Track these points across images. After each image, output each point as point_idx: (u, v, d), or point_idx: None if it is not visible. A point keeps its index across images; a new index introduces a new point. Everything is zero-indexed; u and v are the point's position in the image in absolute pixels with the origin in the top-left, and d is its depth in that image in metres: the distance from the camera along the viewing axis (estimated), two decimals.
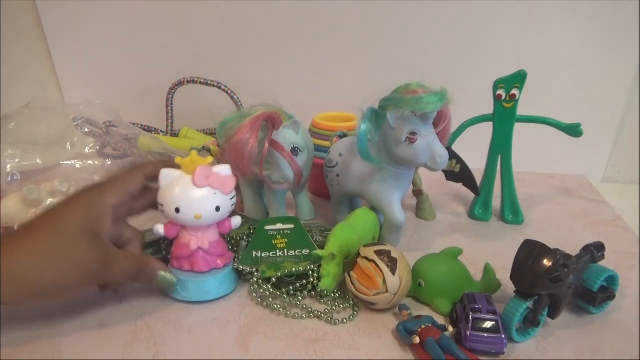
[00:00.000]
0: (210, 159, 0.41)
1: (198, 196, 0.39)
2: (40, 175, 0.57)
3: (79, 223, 0.35)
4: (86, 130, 0.62)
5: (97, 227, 0.36)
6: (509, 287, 0.38)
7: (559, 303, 0.37)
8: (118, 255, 0.37)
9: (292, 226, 0.47)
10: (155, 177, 0.39)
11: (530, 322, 0.37)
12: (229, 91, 0.66)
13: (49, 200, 0.51)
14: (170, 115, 0.69)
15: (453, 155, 0.54)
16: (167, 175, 0.40)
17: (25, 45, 0.78)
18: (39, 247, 0.33)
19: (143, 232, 0.43)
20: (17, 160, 0.57)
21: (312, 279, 0.42)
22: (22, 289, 0.33)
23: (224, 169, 0.41)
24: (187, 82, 0.66)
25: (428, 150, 0.42)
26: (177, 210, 0.39)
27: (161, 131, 0.71)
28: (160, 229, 0.41)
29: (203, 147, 0.59)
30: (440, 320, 0.38)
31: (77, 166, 0.60)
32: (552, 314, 0.38)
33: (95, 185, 0.38)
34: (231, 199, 0.41)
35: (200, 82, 0.65)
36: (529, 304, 0.36)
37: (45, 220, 0.35)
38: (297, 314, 0.40)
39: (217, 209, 0.39)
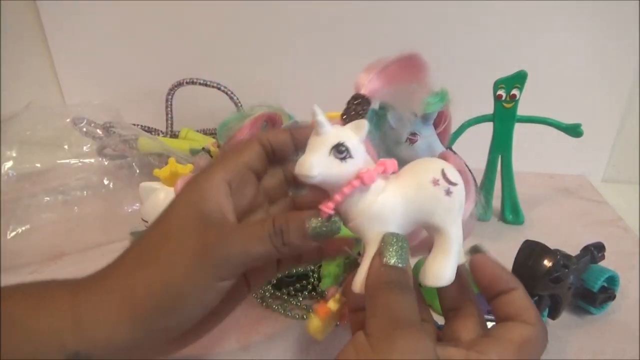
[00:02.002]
0: (190, 166, 0.40)
1: None
2: (38, 176, 0.57)
3: (184, 212, 0.27)
4: (85, 130, 0.62)
5: (205, 207, 0.26)
6: None
7: (559, 303, 0.37)
8: (236, 230, 0.26)
9: None
10: (282, 146, 0.30)
11: None
12: (229, 92, 0.66)
13: None
14: (169, 116, 0.69)
15: None
16: (147, 189, 0.39)
17: (25, 46, 0.77)
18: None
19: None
20: (12, 161, 0.57)
21: (312, 280, 0.41)
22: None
23: None
24: (187, 83, 0.66)
25: (428, 150, 0.42)
26: None
27: (161, 132, 0.71)
28: None
29: (203, 149, 0.59)
30: (440, 320, 0.38)
31: (75, 166, 0.60)
32: (553, 315, 0.38)
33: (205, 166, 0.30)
34: None
35: (200, 83, 0.65)
36: None
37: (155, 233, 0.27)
38: (298, 315, 0.40)
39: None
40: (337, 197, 0.25)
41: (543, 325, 0.26)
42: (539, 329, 0.25)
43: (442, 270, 0.26)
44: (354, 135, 0.26)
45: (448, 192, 0.26)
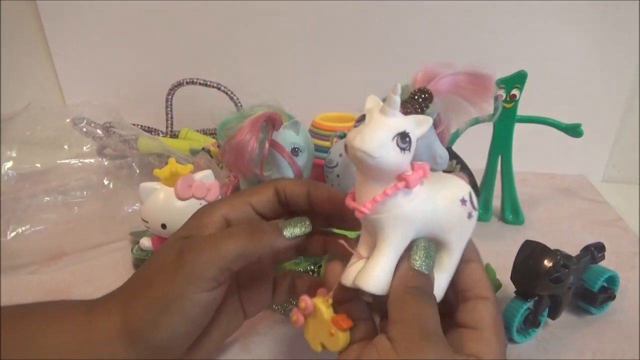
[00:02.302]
0: (190, 167, 0.40)
1: (183, 209, 0.38)
2: (38, 176, 0.57)
3: (175, 238, 0.29)
4: (85, 130, 0.62)
5: (196, 233, 0.28)
6: (509, 287, 0.38)
7: (560, 303, 0.37)
8: (209, 235, 0.28)
9: None
10: (296, 198, 0.30)
11: (531, 322, 0.37)
12: (229, 92, 0.66)
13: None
14: (169, 116, 0.69)
15: (453, 156, 0.54)
16: (147, 189, 0.39)
17: (25, 46, 0.77)
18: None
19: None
20: (12, 161, 0.57)
21: (317, 270, 0.41)
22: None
23: (207, 175, 0.40)
24: (187, 83, 0.66)
25: (428, 150, 0.42)
26: (164, 226, 0.38)
27: (161, 132, 0.71)
28: (147, 242, 0.40)
29: (203, 149, 0.59)
30: None
31: (75, 166, 0.60)
32: (553, 315, 0.38)
33: None
34: None
35: (200, 83, 0.65)
36: (530, 304, 0.36)
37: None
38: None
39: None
40: (378, 198, 0.24)
41: (493, 289, 0.28)
42: (495, 297, 0.27)
43: (440, 288, 0.27)
44: (417, 129, 0.24)
45: (470, 216, 0.27)
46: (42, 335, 0.26)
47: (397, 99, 0.23)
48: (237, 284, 0.32)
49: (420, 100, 0.31)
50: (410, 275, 0.25)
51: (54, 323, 0.27)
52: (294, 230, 0.28)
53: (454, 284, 0.28)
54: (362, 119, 0.23)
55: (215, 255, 0.26)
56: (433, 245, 0.26)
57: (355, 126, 0.23)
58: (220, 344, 0.32)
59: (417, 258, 0.25)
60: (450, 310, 0.28)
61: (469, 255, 0.28)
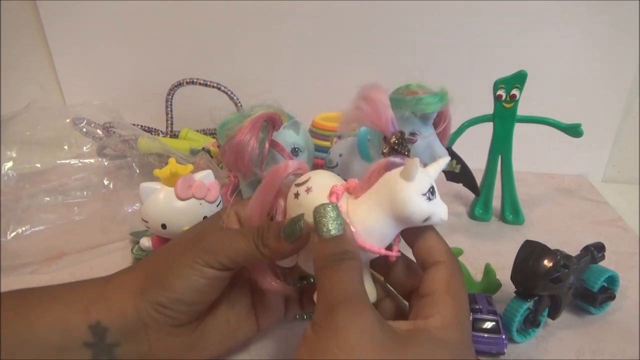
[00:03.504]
0: (190, 167, 0.40)
1: (183, 209, 0.38)
2: (38, 176, 0.57)
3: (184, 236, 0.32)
4: (85, 131, 0.62)
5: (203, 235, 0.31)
6: (509, 287, 0.38)
7: (560, 303, 0.37)
8: (228, 229, 0.31)
9: None
10: None
11: (531, 322, 0.37)
12: (229, 92, 0.66)
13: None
14: (169, 116, 0.69)
15: (453, 156, 0.54)
16: (147, 189, 0.39)
17: (25, 46, 0.77)
18: None
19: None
20: (12, 161, 0.57)
21: (312, 279, 0.41)
22: None
23: (207, 175, 0.40)
24: (187, 83, 0.66)
25: (428, 150, 0.42)
26: (164, 226, 0.38)
27: (161, 132, 0.71)
28: (147, 242, 0.40)
29: (203, 149, 0.59)
30: None
31: (75, 166, 0.60)
32: (553, 315, 0.38)
33: None
34: (217, 205, 0.40)
35: (200, 83, 0.65)
36: (530, 304, 0.36)
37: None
38: (298, 315, 0.39)
39: (205, 219, 0.39)
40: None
41: (451, 253, 0.28)
42: (452, 259, 0.27)
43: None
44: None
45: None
46: (65, 292, 0.29)
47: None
48: (252, 298, 0.34)
49: (406, 143, 0.34)
50: (321, 247, 0.26)
51: (79, 284, 0.30)
52: (289, 234, 0.28)
53: (416, 259, 0.29)
54: (433, 192, 0.27)
55: (228, 247, 0.29)
56: (331, 204, 0.27)
57: (431, 199, 0.27)
58: (228, 344, 0.33)
59: (320, 227, 0.26)
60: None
61: (423, 227, 0.28)
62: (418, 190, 0.26)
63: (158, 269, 0.30)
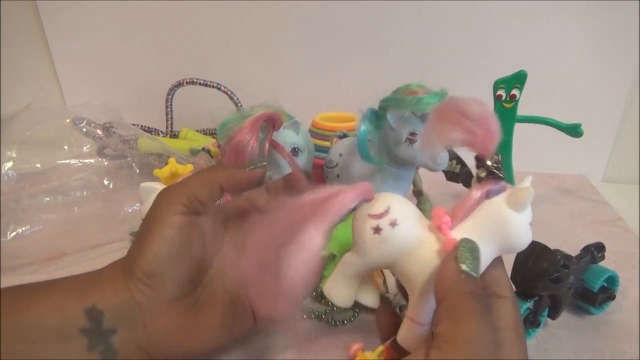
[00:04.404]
0: (190, 167, 0.40)
1: None
2: (38, 176, 0.57)
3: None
4: (85, 131, 0.62)
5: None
6: None
7: (559, 303, 0.37)
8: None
9: None
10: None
11: (531, 322, 0.37)
12: (229, 92, 0.66)
13: None
14: (169, 116, 0.69)
15: (453, 156, 0.54)
16: (147, 189, 0.39)
17: (25, 46, 0.78)
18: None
19: None
20: (12, 161, 0.57)
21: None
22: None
23: None
24: (187, 83, 0.66)
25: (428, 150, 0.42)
26: None
27: (161, 132, 0.71)
28: None
29: (203, 149, 0.59)
30: None
31: (75, 166, 0.60)
32: (553, 315, 0.38)
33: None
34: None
35: (200, 83, 0.65)
36: (529, 304, 0.36)
37: None
38: (297, 315, 0.40)
39: None
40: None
41: (512, 289, 0.27)
42: (514, 297, 0.26)
43: None
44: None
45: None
46: (63, 280, 0.30)
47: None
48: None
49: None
50: (462, 279, 0.23)
51: (78, 275, 0.31)
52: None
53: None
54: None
55: (183, 187, 0.31)
56: (477, 244, 0.24)
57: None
58: (225, 331, 0.32)
59: (465, 260, 0.24)
60: None
61: None
62: (528, 220, 0.25)
63: (137, 241, 0.31)
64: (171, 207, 0.31)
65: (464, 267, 0.23)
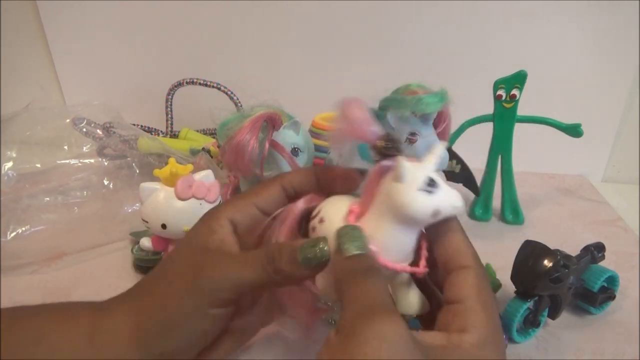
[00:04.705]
0: (190, 167, 0.40)
1: (183, 209, 0.38)
2: (38, 176, 0.57)
3: (187, 243, 0.29)
4: (85, 131, 0.62)
5: (206, 240, 0.28)
6: (509, 287, 0.38)
7: (559, 303, 0.37)
8: (230, 256, 0.28)
9: None
10: (305, 187, 0.30)
11: (531, 322, 0.37)
12: (229, 92, 0.66)
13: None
14: (169, 116, 0.69)
15: (453, 156, 0.54)
16: (147, 189, 0.39)
17: (25, 46, 0.77)
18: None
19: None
20: (12, 161, 0.57)
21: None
22: None
23: (207, 175, 0.40)
24: (187, 83, 0.66)
25: (428, 150, 0.42)
26: (164, 226, 0.38)
27: (161, 132, 0.71)
28: (147, 242, 0.40)
29: (203, 149, 0.59)
30: None
31: (75, 166, 0.60)
32: (553, 315, 0.38)
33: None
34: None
35: (200, 83, 0.65)
36: (530, 304, 0.36)
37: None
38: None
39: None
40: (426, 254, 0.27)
41: (478, 258, 0.26)
42: (479, 265, 0.26)
43: None
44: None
45: None
46: (49, 334, 0.26)
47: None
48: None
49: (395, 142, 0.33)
50: (345, 264, 0.24)
51: (61, 322, 0.27)
52: (310, 258, 0.26)
53: (438, 259, 0.27)
54: (433, 183, 0.25)
55: (234, 280, 0.26)
56: (352, 225, 0.26)
57: (431, 192, 0.25)
58: (233, 350, 0.31)
59: (344, 247, 0.25)
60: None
61: (449, 225, 0.27)
62: (412, 187, 0.25)
63: (154, 317, 0.26)
64: (214, 301, 0.26)
65: (347, 253, 0.24)
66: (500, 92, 0.52)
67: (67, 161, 0.59)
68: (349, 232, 0.25)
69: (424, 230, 0.27)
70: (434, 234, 0.27)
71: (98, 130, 0.62)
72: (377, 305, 0.22)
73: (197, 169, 0.43)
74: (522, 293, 0.37)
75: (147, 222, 0.39)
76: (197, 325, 0.26)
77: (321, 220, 0.28)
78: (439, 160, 0.27)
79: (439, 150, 0.27)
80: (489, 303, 0.24)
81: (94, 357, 0.25)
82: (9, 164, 0.56)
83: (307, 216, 0.30)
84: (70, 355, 0.25)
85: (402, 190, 0.25)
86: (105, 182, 0.56)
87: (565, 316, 0.40)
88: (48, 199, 0.53)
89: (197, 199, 0.39)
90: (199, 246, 0.28)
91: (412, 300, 0.28)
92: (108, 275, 0.47)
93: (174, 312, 0.26)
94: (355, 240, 0.25)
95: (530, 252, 0.36)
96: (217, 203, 0.40)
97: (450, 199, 0.26)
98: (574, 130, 0.52)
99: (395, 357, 0.20)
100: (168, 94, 0.68)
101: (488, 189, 0.57)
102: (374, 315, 0.21)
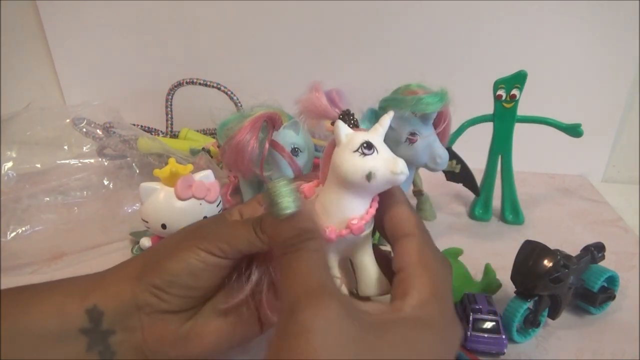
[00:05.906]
0: (190, 167, 0.40)
1: (183, 209, 0.38)
2: (38, 176, 0.57)
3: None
4: (85, 131, 0.62)
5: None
6: (509, 287, 0.38)
7: (560, 303, 0.37)
8: (229, 220, 0.31)
9: None
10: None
11: (531, 322, 0.37)
12: (229, 92, 0.66)
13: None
14: (169, 116, 0.69)
15: (453, 156, 0.54)
16: (147, 189, 0.39)
17: (25, 46, 0.77)
18: None
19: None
20: (12, 161, 0.57)
21: None
22: None
23: (207, 175, 0.40)
24: (187, 83, 0.66)
25: (428, 150, 0.42)
26: (164, 226, 0.38)
27: (161, 132, 0.71)
28: (147, 242, 0.40)
29: (203, 149, 0.59)
30: None
31: (75, 166, 0.60)
32: (553, 315, 0.38)
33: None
34: (217, 205, 0.40)
35: (200, 83, 0.65)
36: (530, 304, 0.36)
37: None
38: None
39: (205, 218, 0.39)
40: (368, 217, 0.28)
41: (422, 225, 0.27)
42: (422, 231, 0.26)
43: None
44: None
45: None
46: (64, 281, 0.29)
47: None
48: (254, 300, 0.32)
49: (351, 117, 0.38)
50: (278, 230, 0.24)
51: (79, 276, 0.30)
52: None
53: (386, 231, 0.28)
54: (369, 146, 0.26)
55: (228, 233, 0.29)
56: (281, 180, 0.25)
57: (366, 154, 0.26)
58: (224, 341, 0.32)
59: (275, 206, 0.25)
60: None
61: (394, 197, 0.27)
62: (347, 149, 0.26)
63: (157, 255, 0.29)
64: (207, 246, 0.28)
65: (280, 210, 0.25)
66: (500, 92, 0.52)
67: (67, 161, 0.59)
68: (279, 187, 0.25)
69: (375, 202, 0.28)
70: (382, 206, 0.28)
71: (98, 130, 0.62)
72: (312, 288, 0.22)
73: (197, 169, 0.43)
74: (522, 293, 0.37)
75: (147, 222, 0.39)
76: (189, 260, 0.28)
77: None
78: (384, 129, 0.28)
79: (385, 119, 0.28)
80: (432, 265, 0.25)
81: (100, 291, 0.28)
82: (9, 164, 0.56)
83: None
84: (79, 291, 0.28)
85: (338, 152, 0.27)
86: (105, 182, 0.56)
87: (565, 316, 0.40)
88: (48, 199, 0.53)
89: (197, 199, 0.39)
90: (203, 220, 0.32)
91: (369, 280, 0.28)
92: None
93: (171, 249, 0.29)
94: (287, 196, 0.25)
95: (530, 252, 0.36)
96: (217, 203, 0.40)
97: (387, 163, 0.26)
98: (574, 130, 0.52)
99: (328, 344, 0.20)
100: (168, 94, 0.68)
101: (488, 189, 0.57)
102: (309, 302, 0.21)
